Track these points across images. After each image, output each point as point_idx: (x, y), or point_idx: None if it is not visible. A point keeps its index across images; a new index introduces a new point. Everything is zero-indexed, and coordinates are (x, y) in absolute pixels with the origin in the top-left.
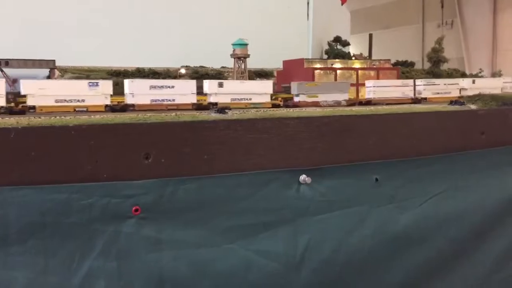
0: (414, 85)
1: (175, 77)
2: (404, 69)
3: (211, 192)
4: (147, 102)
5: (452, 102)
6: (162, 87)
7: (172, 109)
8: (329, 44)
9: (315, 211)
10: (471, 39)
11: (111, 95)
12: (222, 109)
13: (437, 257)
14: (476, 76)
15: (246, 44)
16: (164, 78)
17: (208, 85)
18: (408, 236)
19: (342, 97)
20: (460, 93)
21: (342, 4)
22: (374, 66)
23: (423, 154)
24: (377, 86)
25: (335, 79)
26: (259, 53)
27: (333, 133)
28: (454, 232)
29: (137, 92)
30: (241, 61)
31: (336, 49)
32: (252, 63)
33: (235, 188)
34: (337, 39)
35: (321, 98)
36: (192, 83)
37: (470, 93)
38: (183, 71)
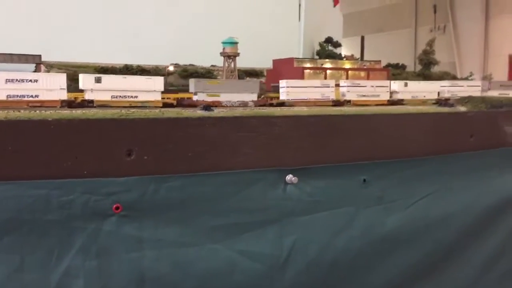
0: (339, 86)
1: (163, 75)
2: (395, 71)
3: (195, 191)
4: (3, 97)
5: (441, 103)
6: (22, 80)
7: (35, 107)
8: (320, 45)
9: (301, 211)
10: (463, 43)
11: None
12: (208, 106)
13: (425, 258)
14: (466, 79)
15: (236, 43)
16: (152, 75)
17: (83, 80)
18: (396, 238)
19: (250, 97)
20: (390, 96)
21: (334, 5)
22: (364, 67)
23: (412, 155)
24: (291, 87)
25: (325, 79)
26: (250, 53)
27: (320, 133)
28: (442, 233)
29: None
30: (230, 60)
31: (327, 50)
32: (244, 63)
33: (220, 187)
34: (329, 40)
35: (224, 97)
36: (61, 77)
37: (401, 96)
38: (171, 68)
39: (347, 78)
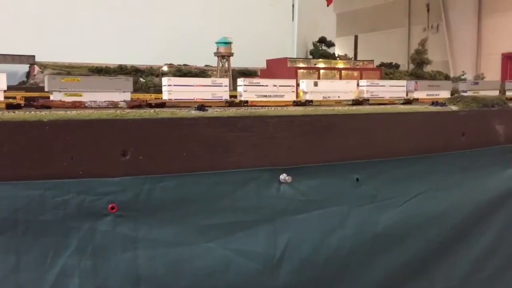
0: (237, 85)
1: (157, 75)
2: (387, 70)
3: (189, 190)
4: None
5: (434, 102)
6: None
7: None
8: (314, 44)
9: (295, 210)
10: (456, 43)
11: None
12: (203, 106)
13: (418, 257)
14: (458, 79)
15: (230, 43)
16: (146, 75)
17: None
18: (389, 236)
19: (122, 97)
20: (296, 97)
21: (328, 5)
22: (357, 67)
23: (405, 154)
24: (175, 85)
25: (318, 79)
26: (244, 53)
27: (314, 132)
28: (435, 232)
29: None
30: (224, 60)
31: (320, 50)
32: (238, 62)
33: (215, 187)
34: (322, 40)
35: (87, 97)
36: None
37: (310, 97)
38: (165, 68)
39: (340, 78)
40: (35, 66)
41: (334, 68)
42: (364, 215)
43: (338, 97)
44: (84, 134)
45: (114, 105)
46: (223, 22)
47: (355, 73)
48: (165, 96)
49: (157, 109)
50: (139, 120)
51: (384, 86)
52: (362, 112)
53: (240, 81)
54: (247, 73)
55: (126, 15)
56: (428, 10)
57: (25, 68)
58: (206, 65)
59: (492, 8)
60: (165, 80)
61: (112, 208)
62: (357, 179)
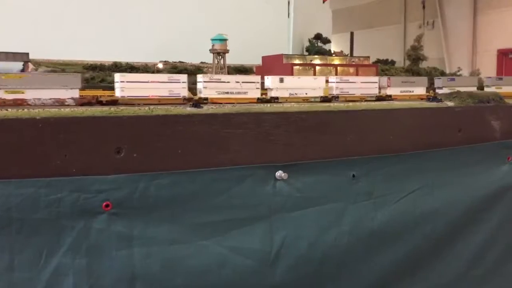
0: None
1: (152, 72)
2: (383, 67)
3: (185, 188)
4: None
5: (430, 98)
6: None
7: None
8: (310, 41)
9: (291, 207)
10: (452, 39)
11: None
12: (198, 103)
13: (415, 253)
14: (454, 75)
15: (226, 40)
16: (142, 72)
17: None
18: (386, 233)
19: (69, 94)
20: (260, 95)
21: (323, 2)
22: (353, 63)
23: (401, 150)
24: (128, 81)
25: (314, 75)
26: (240, 49)
27: (310, 129)
28: (431, 228)
29: None
30: (220, 57)
31: (316, 46)
32: (233, 59)
33: (210, 184)
34: (318, 37)
35: (30, 94)
36: None
37: (276, 94)
38: (160, 65)
39: (336, 74)
40: (29, 63)
41: (330, 65)
42: (360, 212)
43: (306, 94)
44: (77, 132)
45: (61, 102)
46: (218, 18)
47: (351, 70)
48: (117, 93)
49: (151, 106)
50: (133, 117)
51: (355, 82)
52: (358, 109)
53: (199, 77)
54: (243, 70)
55: (121, 12)
56: (423, 7)
57: (19, 65)
58: (201, 62)
59: (487, 5)
60: (117, 76)
61: (107, 206)
62: (353, 176)
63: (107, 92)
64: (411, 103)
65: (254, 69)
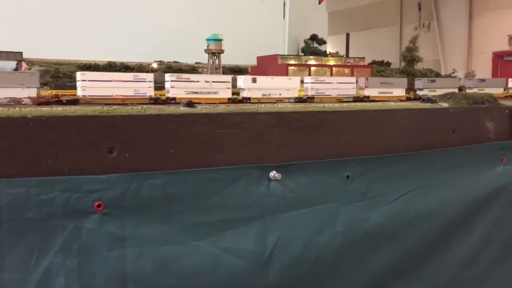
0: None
1: (147, 72)
2: (379, 68)
3: (178, 188)
4: None
5: (424, 99)
6: None
7: None
8: (305, 42)
9: (285, 207)
10: (447, 41)
11: None
12: (191, 102)
13: (409, 254)
14: (449, 76)
15: (221, 40)
16: (136, 72)
17: None
18: (380, 233)
19: (26, 93)
20: (232, 94)
21: (319, 3)
22: (348, 64)
23: (395, 151)
24: (90, 80)
25: (309, 75)
26: (235, 50)
27: (304, 129)
28: (426, 229)
29: None
30: (215, 57)
31: (312, 47)
32: (229, 60)
33: (203, 184)
34: (313, 38)
35: None
36: None
37: (248, 94)
38: (155, 65)
39: (331, 75)
40: (23, 62)
41: (325, 65)
42: (354, 213)
43: (280, 94)
44: (69, 131)
45: (17, 102)
46: (214, 19)
47: (346, 70)
48: (79, 92)
49: (144, 106)
50: (125, 117)
51: (331, 83)
52: (353, 109)
53: (167, 76)
54: (238, 70)
55: (116, 11)
56: (419, 9)
57: (12, 65)
58: (196, 63)
59: (483, 7)
60: (78, 75)
61: (99, 206)
62: (348, 176)
63: (68, 91)
64: (407, 104)
65: (249, 70)
